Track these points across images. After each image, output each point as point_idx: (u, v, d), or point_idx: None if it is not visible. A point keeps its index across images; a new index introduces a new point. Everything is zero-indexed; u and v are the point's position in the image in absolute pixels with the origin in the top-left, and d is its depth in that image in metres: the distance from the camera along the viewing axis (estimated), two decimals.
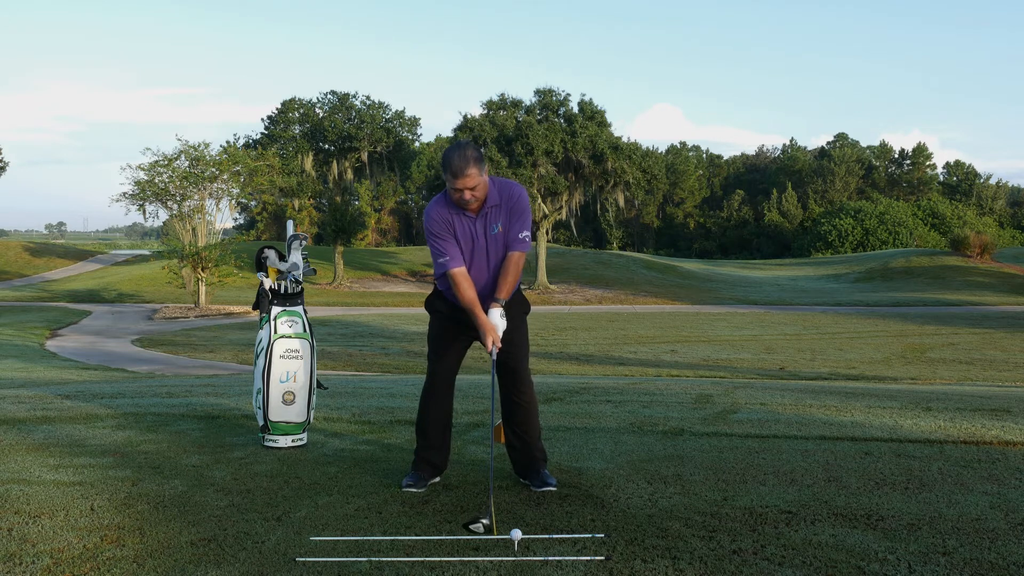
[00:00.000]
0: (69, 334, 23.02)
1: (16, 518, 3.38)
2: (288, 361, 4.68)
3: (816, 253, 66.47)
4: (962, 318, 27.16)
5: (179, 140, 42.84)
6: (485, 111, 40.37)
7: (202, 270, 29.55)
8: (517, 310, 3.89)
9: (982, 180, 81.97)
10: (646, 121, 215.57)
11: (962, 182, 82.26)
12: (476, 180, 3.63)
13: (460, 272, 3.73)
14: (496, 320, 3.69)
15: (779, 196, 79.54)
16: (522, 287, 4.07)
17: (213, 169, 30.17)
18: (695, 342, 20.93)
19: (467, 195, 3.65)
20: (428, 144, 66.36)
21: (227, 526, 3.29)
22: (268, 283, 4.82)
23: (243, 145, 39.95)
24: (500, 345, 3.69)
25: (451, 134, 41.43)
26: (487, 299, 3.76)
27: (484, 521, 3.10)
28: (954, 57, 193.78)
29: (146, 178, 29.85)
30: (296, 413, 4.68)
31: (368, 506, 3.57)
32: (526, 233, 3.78)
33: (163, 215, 32.16)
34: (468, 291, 3.71)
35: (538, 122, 38.99)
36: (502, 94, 40.44)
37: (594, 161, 39.03)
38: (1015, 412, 5.80)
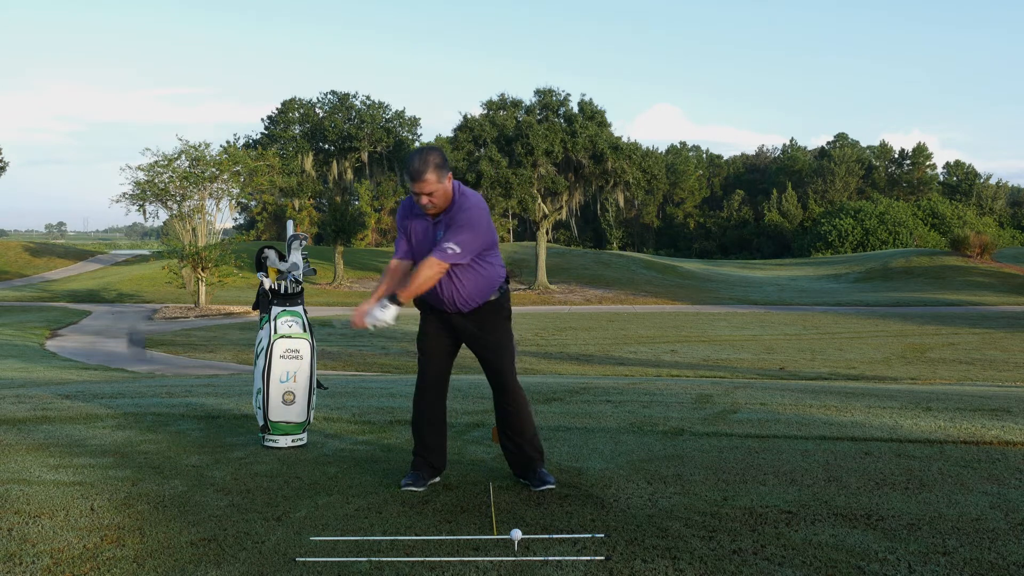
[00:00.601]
0: (69, 334, 23.02)
1: (16, 518, 3.38)
2: (288, 361, 4.68)
3: (816, 253, 66.45)
4: (962, 318, 27.16)
5: (179, 140, 42.93)
6: (485, 111, 40.37)
7: (202, 270, 29.56)
8: (495, 315, 3.88)
9: (982, 180, 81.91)
10: (646, 121, 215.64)
11: (962, 182, 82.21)
12: (433, 186, 3.63)
13: (393, 263, 3.90)
14: (373, 310, 3.67)
15: (779, 196, 79.51)
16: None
17: (213, 169, 30.20)
18: (695, 342, 20.93)
19: (424, 200, 3.66)
20: (428, 144, 66.35)
21: (227, 526, 3.29)
22: (268, 283, 4.82)
23: (243, 145, 39.95)
24: (359, 324, 3.69)
25: (451, 134, 41.43)
26: (451, 304, 3.79)
27: None
28: (954, 57, 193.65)
29: (146, 178, 29.88)
30: (296, 413, 4.68)
31: (368, 506, 3.57)
32: (453, 246, 3.63)
33: (163, 215, 32.25)
34: (386, 281, 3.85)
35: (538, 122, 38.97)
36: (502, 94, 40.49)
37: (594, 161, 39.01)
38: (1015, 412, 5.80)
